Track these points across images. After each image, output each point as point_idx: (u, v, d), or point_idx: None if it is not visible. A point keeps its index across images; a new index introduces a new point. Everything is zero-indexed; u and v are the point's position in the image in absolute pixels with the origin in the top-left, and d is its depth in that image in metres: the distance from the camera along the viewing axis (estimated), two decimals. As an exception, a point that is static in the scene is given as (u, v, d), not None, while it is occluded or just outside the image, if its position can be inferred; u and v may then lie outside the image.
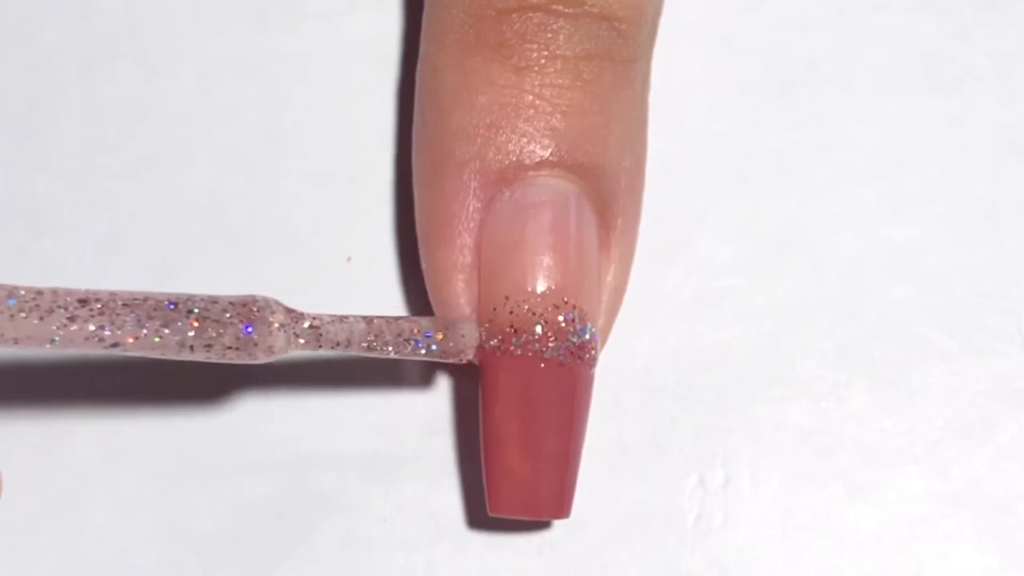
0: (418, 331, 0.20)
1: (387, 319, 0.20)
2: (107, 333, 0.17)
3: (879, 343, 0.22)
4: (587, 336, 0.20)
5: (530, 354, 0.20)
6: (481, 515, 0.21)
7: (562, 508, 0.20)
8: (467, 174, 0.21)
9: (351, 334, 0.19)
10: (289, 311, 0.19)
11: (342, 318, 0.19)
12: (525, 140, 0.20)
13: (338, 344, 0.19)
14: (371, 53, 0.23)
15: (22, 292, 0.17)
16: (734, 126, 0.23)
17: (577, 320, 0.20)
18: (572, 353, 0.20)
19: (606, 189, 0.21)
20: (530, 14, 0.20)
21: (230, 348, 0.18)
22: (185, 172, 0.23)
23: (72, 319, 0.17)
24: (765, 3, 0.24)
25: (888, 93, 0.23)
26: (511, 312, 0.20)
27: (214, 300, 0.18)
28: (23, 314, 0.17)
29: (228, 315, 0.18)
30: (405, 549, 0.22)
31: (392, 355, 0.19)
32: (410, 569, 0.22)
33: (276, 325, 0.18)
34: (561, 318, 0.20)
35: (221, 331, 0.18)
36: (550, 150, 0.20)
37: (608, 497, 0.22)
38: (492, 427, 0.20)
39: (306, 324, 0.19)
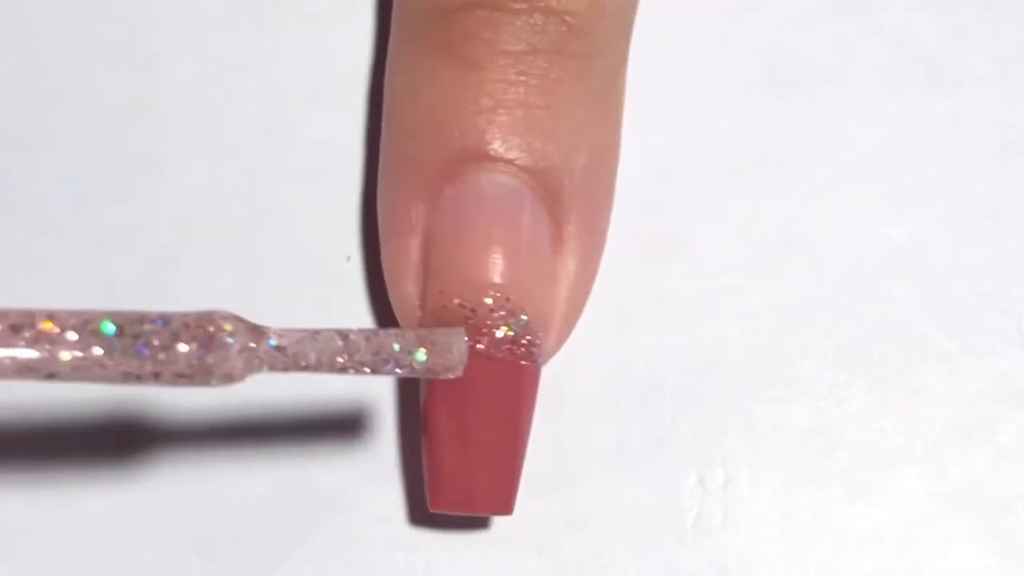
0: (400, 348, 0.18)
1: (368, 333, 0.18)
2: (42, 366, 0.15)
3: (879, 343, 0.22)
4: (521, 329, 0.20)
5: None
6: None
7: (501, 504, 0.20)
8: (414, 173, 0.21)
9: (322, 352, 0.17)
10: (252, 328, 0.16)
11: (315, 333, 0.17)
12: (467, 137, 0.20)
13: (307, 366, 0.17)
14: (371, 53, 0.23)
15: None
16: (734, 126, 0.23)
17: (511, 314, 0.20)
18: (505, 346, 0.20)
19: (553, 184, 0.20)
20: (476, 11, 0.20)
21: (181, 376, 0.16)
22: (185, 172, 0.23)
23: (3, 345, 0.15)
24: (765, 3, 0.24)
25: (888, 93, 0.23)
26: (444, 307, 0.20)
27: (167, 319, 0.16)
28: None
29: (180, 338, 0.16)
30: (405, 549, 0.22)
31: (368, 374, 0.18)
32: (410, 569, 0.22)
33: (236, 348, 0.16)
34: (494, 312, 0.20)
35: (172, 357, 0.16)
36: (492, 146, 0.20)
37: (608, 497, 0.22)
38: (428, 421, 0.20)
39: (272, 342, 0.17)
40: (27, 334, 0.15)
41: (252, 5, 0.23)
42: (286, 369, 0.17)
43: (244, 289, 0.23)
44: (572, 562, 0.22)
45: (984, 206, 0.23)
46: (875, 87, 0.23)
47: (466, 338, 0.19)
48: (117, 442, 0.22)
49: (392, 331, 0.18)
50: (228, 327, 0.16)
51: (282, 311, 0.22)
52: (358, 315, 0.22)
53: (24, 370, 0.15)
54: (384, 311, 0.22)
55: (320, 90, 0.23)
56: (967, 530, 0.22)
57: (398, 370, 0.18)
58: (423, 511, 0.21)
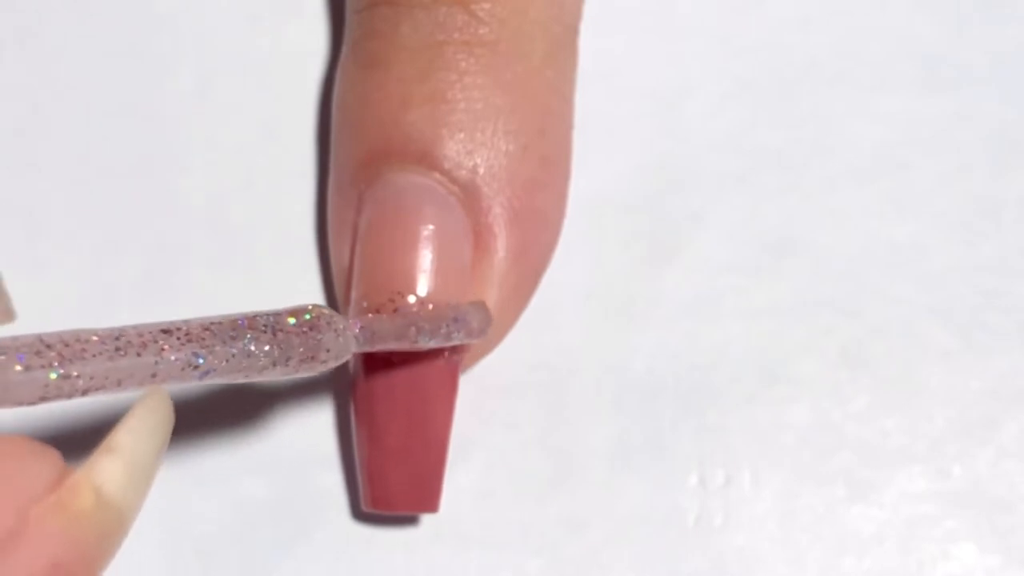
0: (445, 318, 0.19)
1: (418, 312, 0.19)
2: (201, 361, 0.17)
3: (880, 342, 0.22)
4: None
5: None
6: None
7: (422, 503, 0.20)
8: (339, 177, 0.21)
9: (391, 329, 0.19)
10: (338, 314, 0.18)
11: (375, 318, 0.19)
12: (377, 137, 0.20)
13: (387, 338, 0.19)
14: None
15: (93, 337, 0.16)
16: (734, 126, 0.23)
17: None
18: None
19: (463, 178, 0.20)
20: (380, 8, 0.20)
21: (307, 358, 0.17)
22: (184, 172, 0.23)
23: (163, 351, 0.16)
24: (765, 3, 0.24)
25: (888, 92, 0.23)
26: (353, 309, 0.20)
27: (275, 314, 0.17)
28: (122, 352, 0.16)
29: (299, 326, 0.17)
30: (405, 549, 0.22)
31: (431, 344, 0.19)
32: (410, 569, 0.22)
33: (338, 328, 0.18)
34: (397, 312, 0.20)
35: (295, 341, 0.17)
36: (397, 144, 0.20)
37: (608, 497, 0.22)
38: (354, 423, 0.21)
39: (358, 325, 0.18)
40: (183, 334, 0.16)
41: (251, 5, 0.24)
42: (372, 347, 0.19)
43: (244, 289, 0.23)
44: (572, 562, 0.22)
45: (985, 205, 0.23)
46: (875, 86, 0.23)
47: (483, 306, 0.20)
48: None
49: (437, 308, 0.20)
50: (327, 314, 0.18)
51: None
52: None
53: (187, 369, 0.16)
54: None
55: (320, 90, 0.23)
56: (969, 529, 0.22)
57: (452, 338, 0.19)
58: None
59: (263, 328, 0.17)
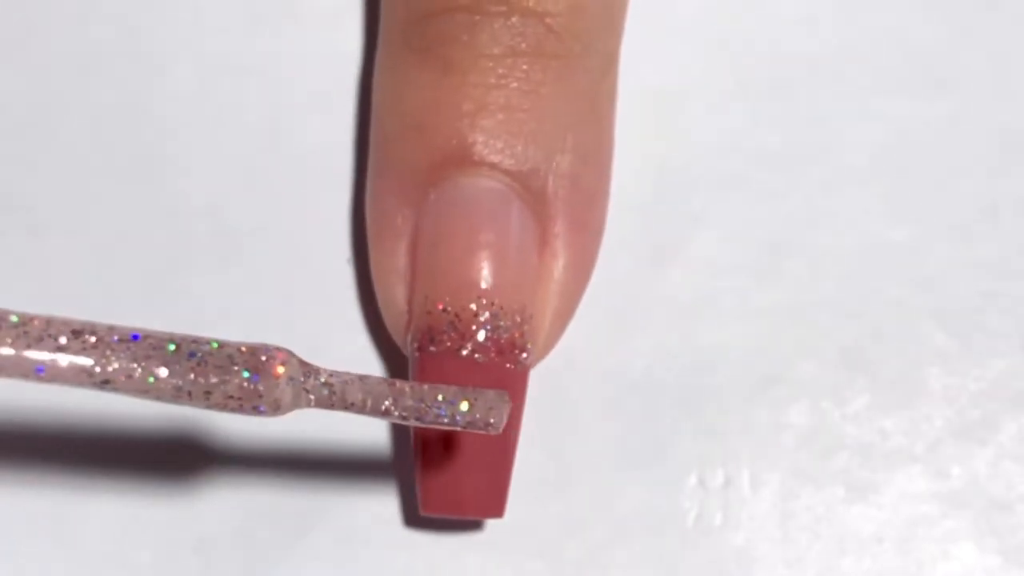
0: (443, 399, 0.18)
1: (413, 384, 0.18)
2: (97, 369, 0.16)
3: (879, 343, 0.22)
4: (506, 333, 0.20)
5: (444, 353, 0.20)
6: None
7: (492, 508, 0.20)
8: (400, 177, 0.21)
9: (368, 395, 0.17)
10: (304, 364, 0.17)
11: (362, 378, 0.18)
12: (450, 141, 0.20)
13: (352, 404, 0.17)
14: (371, 53, 0.23)
15: (12, 318, 0.16)
16: (734, 126, 0.23)
17: (495, 318, 0.20)
18: (489, 350, 0.20)
19: (537, 186, 0.20)
20: (455, 15, 0.20)
21: (231, 398, 0.16)
22: (185, 172, 0.23)
23: (61, 349, 0.16)
24: (765, 3, 0.24)
25: (888, 93, 0.23)
26: (429, 312, 0.20)
27: (221, 344, 0.17)
28: (9, 339, 0.16)
29: (233, 362, 0.16)
30: (405, 549, 0.22)
31: (410, 422, 0.18)
32: (410, 569, 0.22)
33: (286, 377, 0.17)
34: (478, 315, 0.20)
35: (225, 378, 0.16)
36: (475, 150, 0.20)
37: (608, 497, 0.22)
38: (417, 427, 0.20)
39: (321, 379, 0.17)
40: (87, 340, 0.16)
41: (251, 5, 0.24)
42: (332, 407, 0.17)
43: (244, 290, 0.23)
44: (572, 563, 0.22)
45: (984, 205, 0.23)
46: (875, 87, 0.23)
47: (508, 398, 0.18)
48: (116, 442, 0.22)
49: (438, 385, 0.18)
50: (280, 358, 0.17)
51: (282, 312, 0.22)
52: (358, 317, 0.22)
53: (80, 374, 0.16)
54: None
55: (320, 91, 0.23)
56: (968, 530, 0.22)
57: (442, 420, 0.18)
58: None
59: (189, 356, 0.16)
